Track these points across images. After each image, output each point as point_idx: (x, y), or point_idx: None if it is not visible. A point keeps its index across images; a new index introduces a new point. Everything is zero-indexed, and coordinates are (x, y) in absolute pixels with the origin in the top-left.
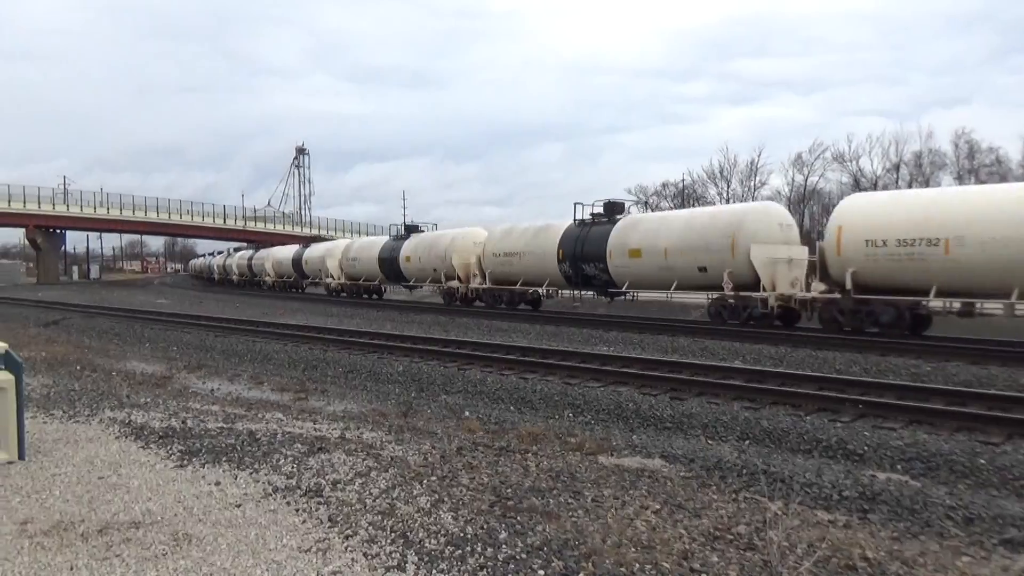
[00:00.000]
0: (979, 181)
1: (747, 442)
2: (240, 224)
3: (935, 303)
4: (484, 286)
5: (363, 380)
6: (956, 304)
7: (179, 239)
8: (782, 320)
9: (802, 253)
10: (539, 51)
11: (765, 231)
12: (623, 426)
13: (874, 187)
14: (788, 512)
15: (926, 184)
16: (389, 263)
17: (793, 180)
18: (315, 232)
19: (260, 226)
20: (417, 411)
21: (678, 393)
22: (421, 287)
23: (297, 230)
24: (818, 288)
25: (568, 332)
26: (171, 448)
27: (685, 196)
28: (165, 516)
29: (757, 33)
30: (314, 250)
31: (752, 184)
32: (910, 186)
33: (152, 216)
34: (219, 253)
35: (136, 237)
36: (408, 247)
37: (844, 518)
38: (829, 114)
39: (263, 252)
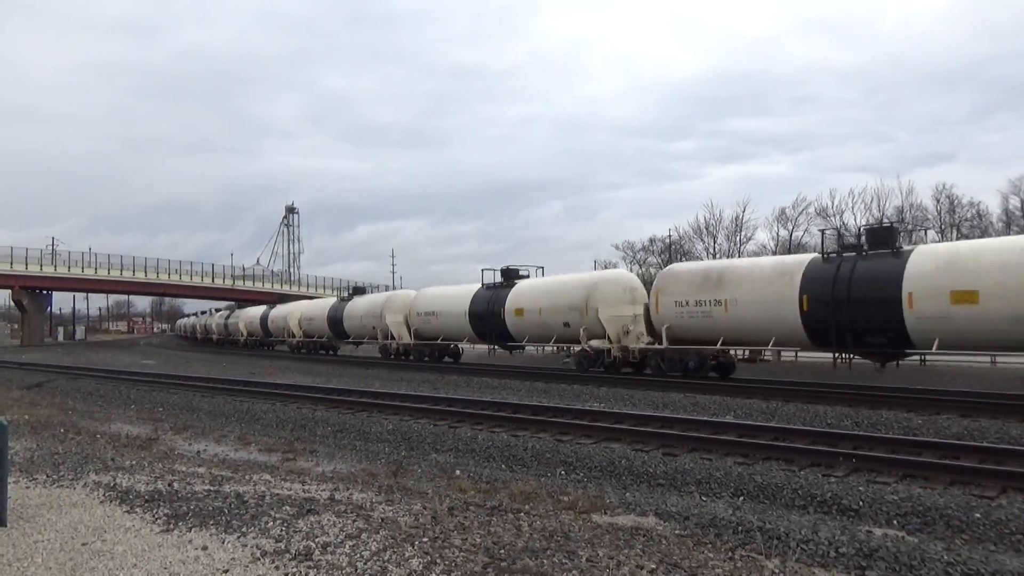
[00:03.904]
0: (961, 235)
1: (741, 498)
2: (228, 283)
3: (734, 351)
4: (412, 342)
5: (352, 439)
6: (745, 352)
7: (166, 299)
8: (633, 367)
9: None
10: (536, 109)
11: (613, 295)
12: (616, 483)
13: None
14: (785, 570)
15: (909, 238)
16: (336, 322)
17: (778, 235)
18: (302, 290)
19: (248, 285)
20: (407, 470)
21: (671, 449)
22: (362, 343)
23: (285, 288)
24: (644, 340)
25: (559, 389)
26: (157, 512)
27: (672, 252)
28: None
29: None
30: (278, 311)
31: (738, 239)
32: None
33: (140, 276)
34: (203, 313)
35: (123, 297)
36: (350, 308)
37: (842, 575)
38: (815, 170)
39: (237, 312)
